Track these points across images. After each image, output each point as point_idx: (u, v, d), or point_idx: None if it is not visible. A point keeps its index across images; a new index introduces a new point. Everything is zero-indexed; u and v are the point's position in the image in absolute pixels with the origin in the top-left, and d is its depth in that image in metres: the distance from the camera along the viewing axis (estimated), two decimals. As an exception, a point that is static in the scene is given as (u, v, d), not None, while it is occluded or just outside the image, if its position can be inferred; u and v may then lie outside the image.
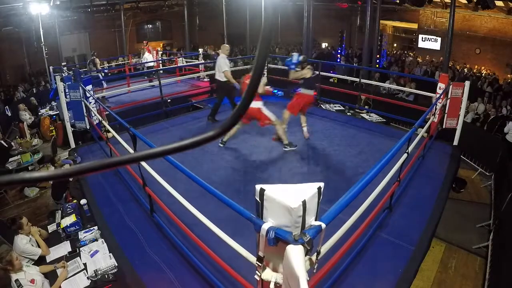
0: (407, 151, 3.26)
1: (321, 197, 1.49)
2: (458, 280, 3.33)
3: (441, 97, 4.94)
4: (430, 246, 3.26)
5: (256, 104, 4.73)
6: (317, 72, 5.19)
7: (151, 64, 10.64)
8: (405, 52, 15.96)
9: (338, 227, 2.07)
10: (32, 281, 2.70)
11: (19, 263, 2.74)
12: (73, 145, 5.61)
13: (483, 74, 12.27)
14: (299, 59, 5.01)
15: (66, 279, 2.90)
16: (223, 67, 6.02)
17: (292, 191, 1.43)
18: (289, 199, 1.37)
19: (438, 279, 3.29)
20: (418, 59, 14.54)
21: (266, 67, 7.60)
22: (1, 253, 2.71)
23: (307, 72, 5.06)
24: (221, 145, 5.13)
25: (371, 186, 2.19)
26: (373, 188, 2.53)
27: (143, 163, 3.17)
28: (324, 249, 1.80)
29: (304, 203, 1.36)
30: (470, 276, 3.39)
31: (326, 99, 7.49)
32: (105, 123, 4.93)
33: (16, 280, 2.65)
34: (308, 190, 1.43)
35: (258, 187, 1.46)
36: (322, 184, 1.48)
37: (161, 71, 9.14)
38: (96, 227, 3.48)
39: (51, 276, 2.93)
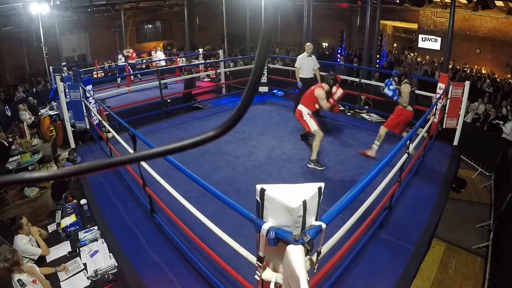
0: (407, 151, 3.27)
1: (321, 197, 1.49)
2: (458, 280, 3.32)
3: (441, 97, 4.94)
4: (430, 246, 3.26)
5: (302, 108, 4.61)
6: (415, 87, 4.71)
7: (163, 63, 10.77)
8: (405, 52, 15.95)
9: (339, 227, 2.07)
10: (34, 281, 2.70)
11: (23, 263, 2.74)
12: (73, 145, 5.61)
13: (483, 74, 12.28)
14: (392, 84, 4.58)
15: (66, 279, 2.90)
16: (316, 65, 6.17)
17: (293, 191, 1.43)
18: (289, 199, 1.37)
19: (438, 279, 3.29)
20: (418, 59, 14.55)
21: (266, 67, 7.60)
22: (6, 254, 2.71)
23: (406, 89, 4.52)
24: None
25: (371, 186, 2.19)
26: (374, 188, 2.52)
27: (143, 163, 3.17)
28: (324, 249, 1.80)
29: (304, 203, 1.36)
30: (470, 276, 3.39)
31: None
32: (105, 123, 4.93)
33: (19, 280, 2.65)
34: (309, 190, 1.42)
35: (258, 187, 1.46)
36: (322, 184, 1.48)
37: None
38: (96, 227, 3.48)
39: (51, 278, 2.93)
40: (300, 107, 4.65)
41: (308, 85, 5.96)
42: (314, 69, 6.13)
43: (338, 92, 4.68)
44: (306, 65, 6.10)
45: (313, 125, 4.54)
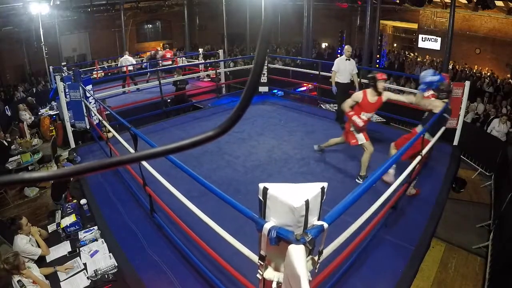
0: (420, 153, 3.22)
1: (324, 197, 1.49)
2: (458, 280, 3.33)
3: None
4: (430, 246, 3.26)
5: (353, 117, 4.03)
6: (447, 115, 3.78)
7: (130, 68, 10.18)
8: (405, 52, 15.94)
9: (339, 227, 2.06)
10: (34, 282, 2.70)
11: (25, 267, 2.74)
12: (73, 145, 5.61)
13: (483, 74, 12.28)
14: (435, 82, 3.74)
15: (66, 279, 2.90)
16: (355, 69, 5.77)
17: (295, 190, 1.42)
18: (292, 198, 1.37)
19: (438, 279, 3.29)
20: (418, 59, 14.55)
21: (266, 67, 7.60)
22: (9, 256, 2.71)
23: (439, 105, 3.72)
24: (319, 151, 4.78)
25: (380, 187, 2.18)
26: (383, 190, 2.49)
27: (144, 163, 3.17)
28: (327, 249, 1.80)
29: (307, 202, 1.36)
30: (470, 276, 3.39)
31: (326, 99, 7.49)
32: (106, 123, 4.93)
33: (19, 281, 2.65)
34: (312, 190, 1.42)
35: (261, 185, 1.45)
36: (325, 184, 1.47)
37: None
38: (96, 227, 3.48)
39: (51, 278, 2.93)
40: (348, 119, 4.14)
41: (346, 90, 5.74)
42: (353, 74, 5.75)
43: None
44: (344, 69, 5.69)
45: (361, 138, 4.02)
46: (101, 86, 8.87)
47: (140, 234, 3.36)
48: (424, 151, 3.29)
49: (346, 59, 5.68)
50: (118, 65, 10.35)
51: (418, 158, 3.18)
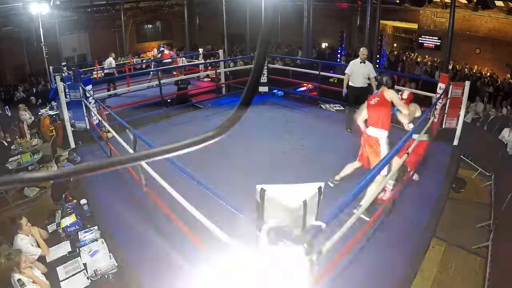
0: (407, 151, 3.25)
1: (321, 197, 1.49)
2: (458, 280, 3.32)
3: (441, 97, 4.94)
4: (430, 246, 3.26)
5: (377, 132, 3.41)
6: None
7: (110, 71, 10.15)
8: (407, 52, 15.90)
9: (340, 227, 2.06)
10: (34, 281, 2.70)
11: (25, 266, 2.75)
12: (73, 145, 5.61)
13: (483, 74, 12.28)
14: None
15: (65, 279, 2.90)
16: (371, 73, 5.48)
17: (293, 191, 1.43)
18: (289, 199, 1.37)
19: (438, 279, 3.29)
20: (418, 59, 14.55)
21: (266, 67, 7.60)
22: (11, 252, 2.73)
23: (416, 109, 3.82)
24: (331, 185, 3.96)
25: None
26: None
27: (143, 163, 3.17)
28: (325, 249, 1.80)
29: (304, 203, 1.36)
30: (470, 276, 3.39)
31: (326, 99, 7.49)
32: (105, 123, 4.93)
33: (19, 280, 2.65)
34: (309, 190, 1.42)
35: (258, 187, 1.45)
36: (322, 184, 1.48)
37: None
38: (96, 227, 3.48)
39: (51, 278, 2.93)
40: (374, 131, 3.44)
41: (358, 95, 5.42)
42: (370, 78, 5.48)
43: (404, 92, 3.80)
44: (357, 72, 5.46)
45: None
46: (101, 86, 8.88)
47: (140, 234, 3.36)
48: (410, 149, 3.31)
49: (361, 62, 5.43)
50: (105, 67, 10.32)
51: (405, 156, 3.20)
